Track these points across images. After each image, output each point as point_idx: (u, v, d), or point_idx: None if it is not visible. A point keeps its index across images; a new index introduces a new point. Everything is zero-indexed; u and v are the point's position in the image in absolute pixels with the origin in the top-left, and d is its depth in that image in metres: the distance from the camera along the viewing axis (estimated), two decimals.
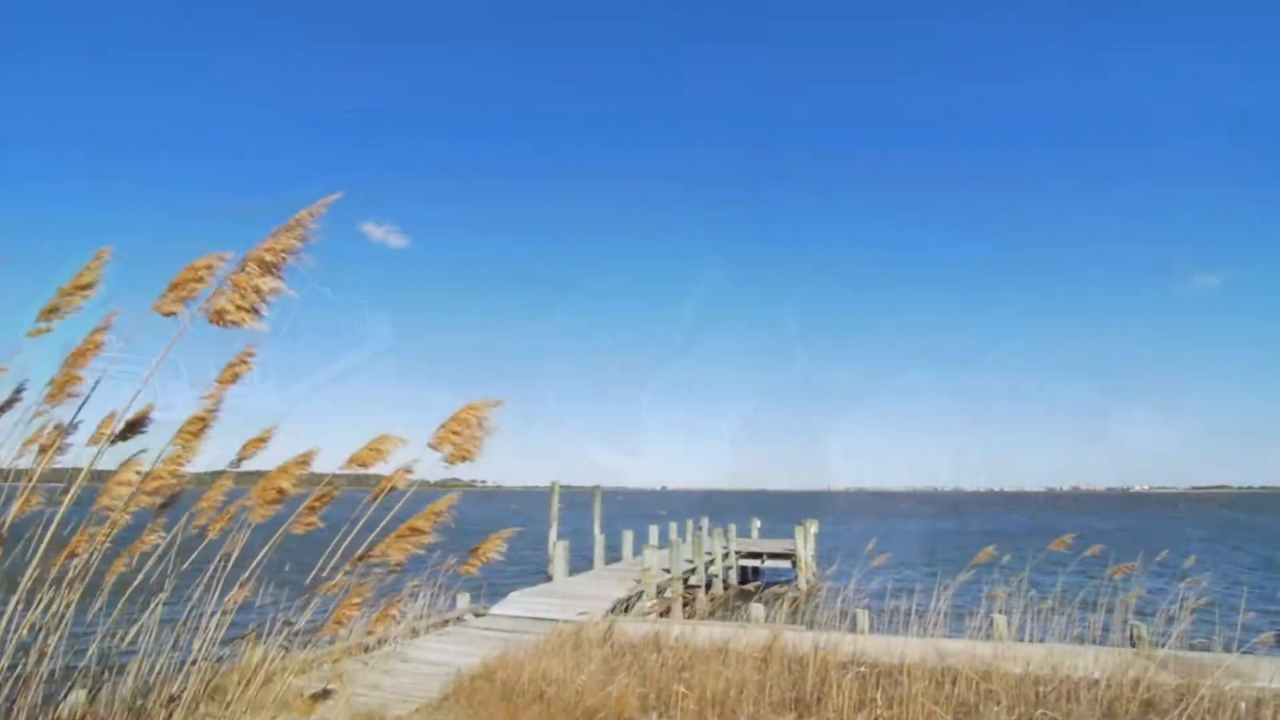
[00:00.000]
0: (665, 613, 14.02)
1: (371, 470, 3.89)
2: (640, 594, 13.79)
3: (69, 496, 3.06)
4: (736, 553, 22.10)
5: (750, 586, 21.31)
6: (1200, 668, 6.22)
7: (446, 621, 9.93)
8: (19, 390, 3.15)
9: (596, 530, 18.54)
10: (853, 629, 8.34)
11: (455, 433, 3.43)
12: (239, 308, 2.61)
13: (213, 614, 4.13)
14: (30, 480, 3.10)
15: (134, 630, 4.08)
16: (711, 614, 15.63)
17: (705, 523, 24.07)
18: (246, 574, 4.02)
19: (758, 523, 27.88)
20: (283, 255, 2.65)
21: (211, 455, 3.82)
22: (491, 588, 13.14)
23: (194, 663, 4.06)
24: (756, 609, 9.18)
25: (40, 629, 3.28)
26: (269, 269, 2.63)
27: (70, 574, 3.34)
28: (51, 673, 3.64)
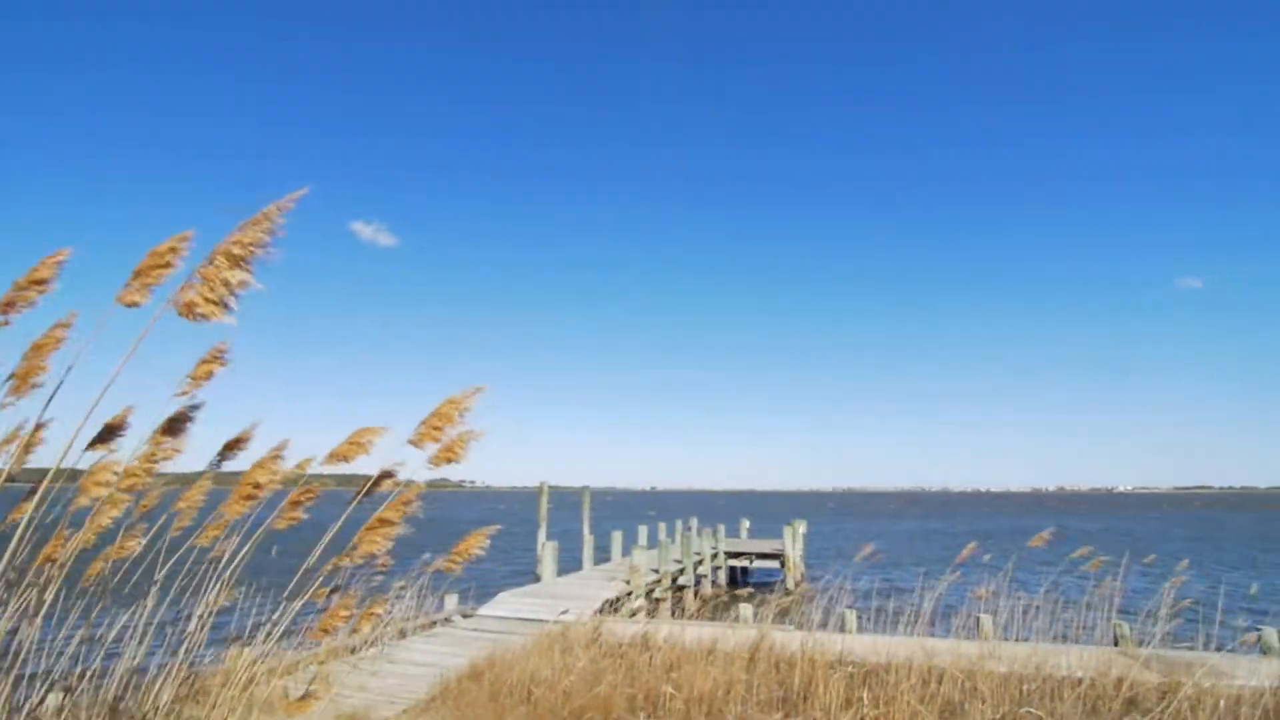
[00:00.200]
0: (653, 612, 14.02)
1: (360, 471, 3.85)
2: (629, 594, 13.78)
3: (36, 497, 3.00)
4: (725, 553, 22.14)
5: (742, 592, 21.35)
6: (1182, 666, 6.29)
7: (434, 623, 9.87)
8: None
9: (585, 530, 18.50)
10: (840, 629, 8.37)
11: (436, 428, 3.38)
12: (208, 300, 2.55)
13: (196, 615, 4.08)
14: None
15: (115, 632, 4.03)
16: (700, 614, 15.64)
17: (694, 523, 24.09)
18: (230, 574, 3.96)
19: (746, 523, 27.97)
20: (250, 249, 2.60)
21: (190, 456, 3.77)
22: (480, 589, 13.09)
23: (177, 665, 4.01)
24: (745, 609, 9.19)
25: (16, 630, 3.23)
26: (237, 262, 2.58)
27: (44, 577, 3.28)
28: (31, 675, 3.58)
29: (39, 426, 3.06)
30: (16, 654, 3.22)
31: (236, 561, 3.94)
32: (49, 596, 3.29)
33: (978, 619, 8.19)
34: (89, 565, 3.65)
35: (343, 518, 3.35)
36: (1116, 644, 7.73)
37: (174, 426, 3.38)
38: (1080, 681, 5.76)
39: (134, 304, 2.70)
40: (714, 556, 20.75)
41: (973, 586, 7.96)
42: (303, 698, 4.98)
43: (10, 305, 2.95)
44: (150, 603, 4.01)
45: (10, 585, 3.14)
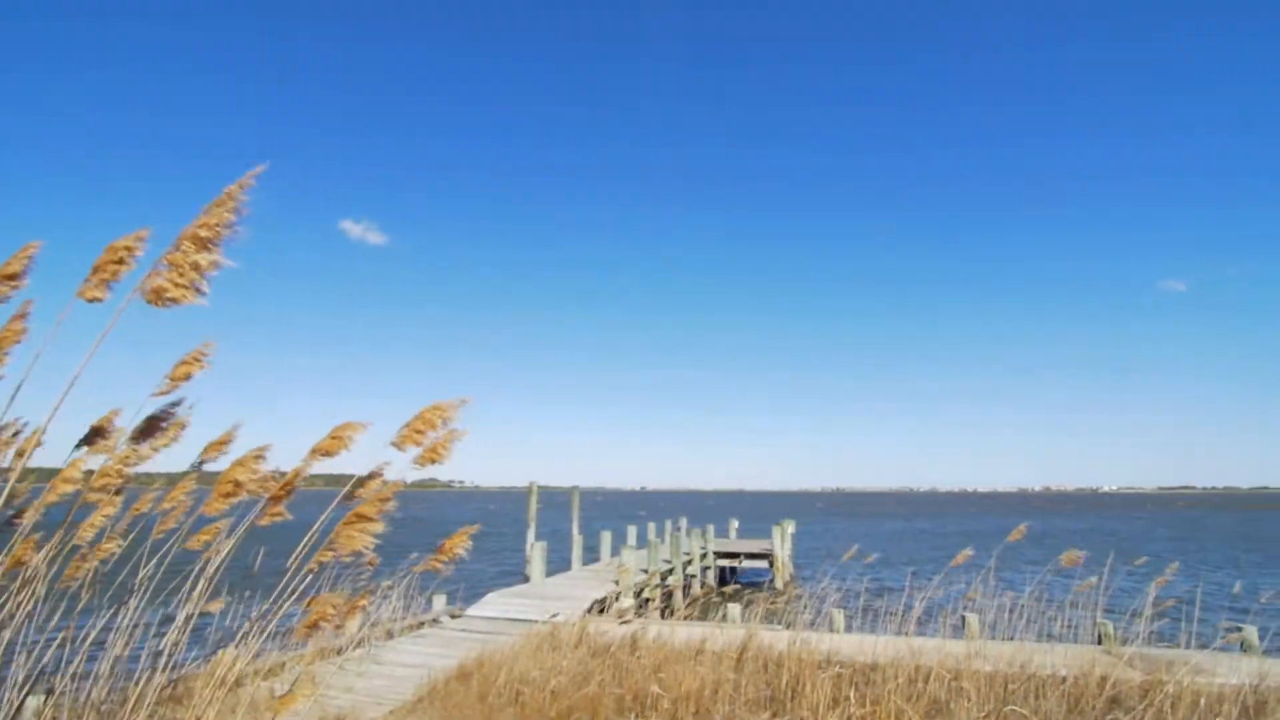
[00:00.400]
0: (642, 612, 14.01)
1: (348, 471, 3.82)
2: (618, 595, 13.77)
3: (3, 494, 2.94)
4: (714, 553, 22.17)
5: (729, 589, 21.40)
6: (1165, 664, 6.36)
7: (422, 623, 9.82)
8: None
9: (575, 531, 18.47)
10: (829, 628, 8.40)
11: (419, 431, 3.35)
12: (178, 285, 2.51)
13: (180, 616, 4.03)
14: None
15: (97, 633, 3.98)
16: (689, 614, 15.65)
17: (683, 523, 24.11)
18: (214, 573, 3.92)
19: (735, 523, 28.05)
20: (218, 230, 2.56)
21: (175, 456, 3.72)
22: (468, 589, 13.04)
23: (161, 666, 3.97)
24: (733, 608, 9.21)
25: None
26: (205, 244, 2.54)
27: (20, 580, 3.23)
28: (12, 676, 3.53)
29: (39, 432, 3.01)
30: None
31: (220, 560, 3.90)
32: (25, 598, 3.25)
33: (965, 618, 8.25)
34: (69, 566, 3.61)
35: (324, 516, 3.32)
36: (1100, 643, 7.81)
37: (151, 427, 3.34)
38: (1064, 680, 5.81)
39: (95, 299, 2.66)
40: (703, 556, 20.77)
41: (960, 586, 8.01)
42: (287, 698, 4.93)
43: None
44: (133, 604, 3.96)
45: None
